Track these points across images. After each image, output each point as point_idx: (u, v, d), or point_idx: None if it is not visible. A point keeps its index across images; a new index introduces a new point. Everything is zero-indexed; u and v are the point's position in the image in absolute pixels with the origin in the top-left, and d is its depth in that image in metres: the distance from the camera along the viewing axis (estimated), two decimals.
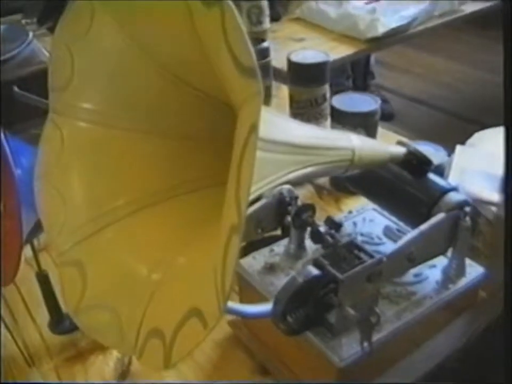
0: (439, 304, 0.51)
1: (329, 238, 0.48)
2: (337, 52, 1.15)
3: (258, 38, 1.22)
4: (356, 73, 2.20)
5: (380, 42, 1.16)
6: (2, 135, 0.46)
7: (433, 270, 0.54)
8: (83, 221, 0.42)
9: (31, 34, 0.92)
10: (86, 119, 0.42)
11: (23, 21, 0.99)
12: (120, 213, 0.41)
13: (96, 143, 0.42)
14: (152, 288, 0.37)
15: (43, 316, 0.65)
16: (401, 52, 2.30)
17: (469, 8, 1.32)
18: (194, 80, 0.38)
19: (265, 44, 0.96)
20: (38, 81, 0.90)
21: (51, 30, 0.62)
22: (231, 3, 0.26)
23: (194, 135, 0.42)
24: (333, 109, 0.74)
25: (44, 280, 0.58)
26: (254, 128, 0.26)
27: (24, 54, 0.89)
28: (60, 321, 0.60)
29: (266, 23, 1.23)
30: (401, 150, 0.52)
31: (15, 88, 0.85)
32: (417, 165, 0.53)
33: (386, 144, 0.52)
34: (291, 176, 0.38)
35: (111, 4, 0.38)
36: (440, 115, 2.22)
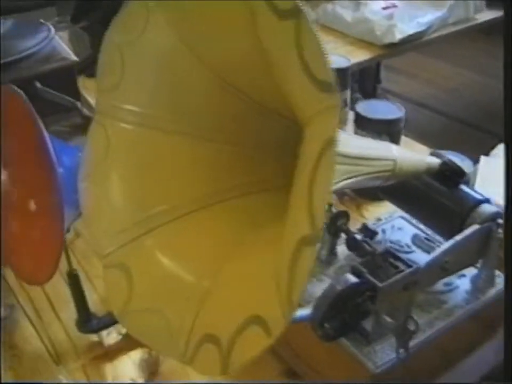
0: (469, 313, 0.52)
1: (366, 246, 0.49)
2: (354, 56, 1.16)
3: None
4: (363, 77, 2.21)
5: (396, 48, 1.17)
6: (45, 133, 0.46)
7: (462, 280, 0.55)
8: (128, 224, 0.42)
9: (52, 30, 0.92)
10: (132, 121, 0.43)
11: (56, 18, 0.99)
12: (165, 217, 0.42)
13: (142, 145, 0.43)
14: (201, 294, 0.37)
15: (68, 314, 0.66)
16: (408, 57, 2.31)
17: (483, 17, 1.33)
18: (246, 87, 0.39)
19: None
20: (58, 77, 0.90)
21: (85, 29, 0.62)
22: (308, 15, 0.27)
23: (240, 140, 0.42)
24: (357, 115, 0.75)
25: (73, 278, 0.58)
26: (331, 142, 0.26)
27: (45, 50, 0.89)
28: (87, 320, 0.60)
29: None
30: (437, 161, 0.52)
31: (38, 84, 0.85)
32: (449, 175, 0.54)
33: (421, 154, 0.53)
34: (340, 185, 0.39)
35: (168, 7, 0.38)
36: (447, 120, 2.23)
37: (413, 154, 0.49)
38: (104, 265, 0.42)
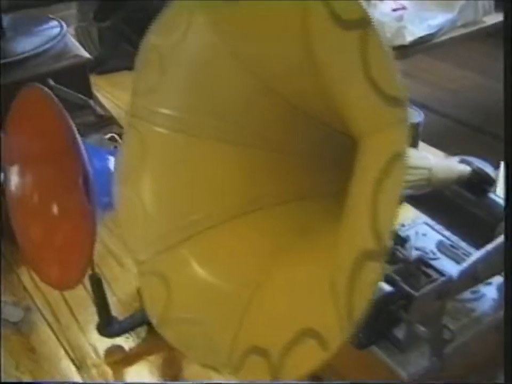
0: (497, 322, 0.52)
1: (398, 254, 0.49)
2: None
3: None
4: None
5: (406, 50, 1.17)
6: (78, 136, 0.45)
7: (488, 288, 0.55)
8: (164, 231, 0.42)
9: (64, 27, 0.91)
10: (169, 126, 0.42)
11: (78, 16, 0.98)
12: (203, 224, 0.41)
13: (179, 151, 0.42)
14: (243, 304, 0.37)
15: (86, 317, 0.65)
16: (410, 59, 2.31)
17: (490, 19, 1.34)
18: (291, 96, 0.38)
19: None
20: (71, 75, 0.89)
21: (110, 29, 0.61)
22: (377, 25, 0.26)
23: (280, 147, 0.41)
24: None
25: (96, 282, 0.58)
26: (398, 156, 0.26)
27: (57, 47, 0.87)
28: (108, 324, 0.59)
29: None
30: (467, 169, 0.52)
31: (51, 82, 0.84)
32: (478, 183, 0.54)
33: (452, 161, 0.52)
34: None
35: (212, 9, 0.38)
36: (448, 122, 2.23)
37: (445, 163, 0.49)
38: (140, 272, 0.41)
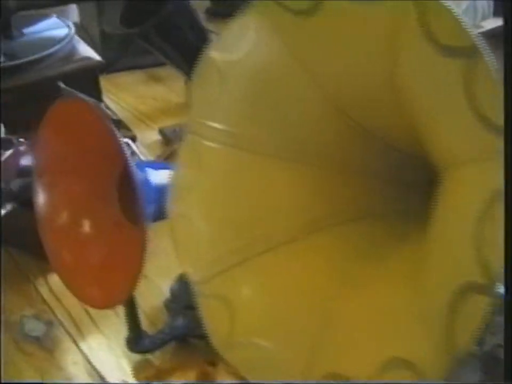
0: None
1: None
2: None
3: None
4: None
5: None
6: (125, 146, 0.43)
7: None
8: (222, 252, 0.40)
9: (72, 28, 0.88)
10: (227, 142, 0.41)
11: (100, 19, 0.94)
12: (262, 245, 0.40)
13: (237, 169, 0.41)
14: (313, 330, 0.36)
15: (111, 330, 0.63)
16: None
17: (488, 24, 1.35)
18: (362, 116, 0.37)
19: None
20: (80, 78, 0.87)
21: (140, 36, 0.58)
22: (486, 52, 0.25)
23: (343, 167, 0.41)
24: None
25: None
26: (499, 193, 0.25)
27: (66, 49, 0.85)
28: (139, 339, 0.58)
29: None
30: None
31: (61, 84, 0.81)
32: None
33: None
34: None
35: (285, 26, 0.36)
36: None
37: None
38: (200, 294, 0.40)
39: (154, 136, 0.94)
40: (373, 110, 0.36)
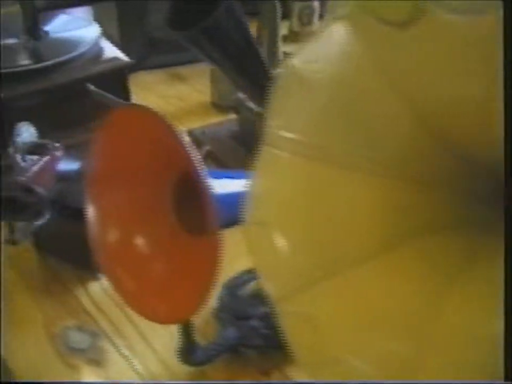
0: None
1: None
2: None
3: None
4: None
5: None
6: (194, 152, 0.41)
7: None
8: (304, 266, 0.39)
9: (98, 28, 0.86)
10: (307, 154, 0.39)
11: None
12: (344, 261, 0.39)
13: (314, 181, 0.39)
14: (403, 350, 0.34)
15: (160, 341, 0.61)
16: None
17: None
18: (444, 130, 0.35)
19: None
20: (108, 79, 0.84)
21: (188, 39, 0.56)
22: None
23: (420, 179, 0.39)
24: None
25: None
26: None
27: (93, 50, 0.82)
28: (192, 351, 0.56)
29: (316, 24, 1.21)
30: None
31: (91, 86, 0.79)
32: None
33: None
34: None
35: (375, 41, 0.35)
36: None
37: None
38: (281, 312, 0.39)
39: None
40: (461, 128, 0.35)
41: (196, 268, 0.44)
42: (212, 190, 0.41)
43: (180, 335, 0.55)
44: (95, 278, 0.67)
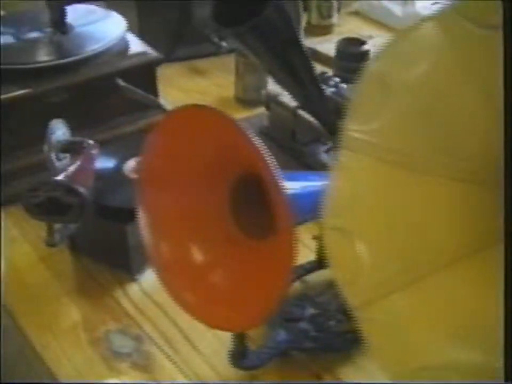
0: None
1: None
2: None
3: (326, 32, 1.19)
4: None
5: None
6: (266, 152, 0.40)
7: None
8: (385, 274, 0.38)
9: (124, 22, 0.83)
10: (389, 160, 0.38)
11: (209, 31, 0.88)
12: (427, 266, 0.38)
13: (395, 187, 0.38)
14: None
15: (205, 344, 0.60)
16: None
17: None
18: None
19: (366, 47, 0.92)
20: (137, 74, 0.82)
21: (235, 35, 0.53)
22: None
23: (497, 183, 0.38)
24: None
25: None
26: None
27: (120, 44, 0.80)
28: (244, 355, 0.55)
29: (335, 17, 1.19)
30: None
31: (120, 81, 0.77)
32: None
33: None
34: None
35: (465, 50, 0.34)
36: None
37: None
38: (361, 319, 0.38)
39: None
40: None
41: (265, 273, 0.42)
42: (286, 190, 0.40)
43: (232, 339, 0.54)
44: (133, 279, 0.66)
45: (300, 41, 0.58)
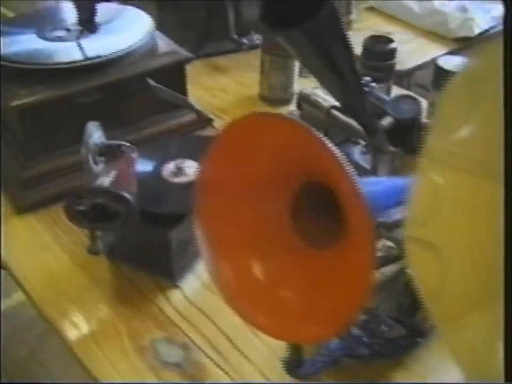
0: None
1: None
2: (429, 49, 1.12)
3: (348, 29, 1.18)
4: None
5: (469, 43, 1.14)
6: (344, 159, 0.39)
7: None
8: (469, 287, 0.37)
9: (151, 21, 0.81)
10: (472, 170, 0.37)
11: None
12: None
13: (484, 198, 0.37)
14: None
15: (253, 352, 0.58)
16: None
17: None
18: None
19: (393, 45, 0.91)
20: (166, 73, 0.80)
21: (286, 37, 0.51)
22: None
23: None
24: None
25: None
26: None
27: (148, 44, 0.78)
28: (300, 364, 0.54)
29: (354, 13, 1.18)
30: None
31: (151, 82, 0.75)
32: None
33: None
34: None
35: None
36: None
37: None
38: (447, 332, 0.37)
39: None
40: None
41: (340, 281, 0.41)
42: (365, 196, 0.39)
43: (288, 348, 0.53)
44: (175, 286, 0.64)
45: (348, 40, 0.56)
